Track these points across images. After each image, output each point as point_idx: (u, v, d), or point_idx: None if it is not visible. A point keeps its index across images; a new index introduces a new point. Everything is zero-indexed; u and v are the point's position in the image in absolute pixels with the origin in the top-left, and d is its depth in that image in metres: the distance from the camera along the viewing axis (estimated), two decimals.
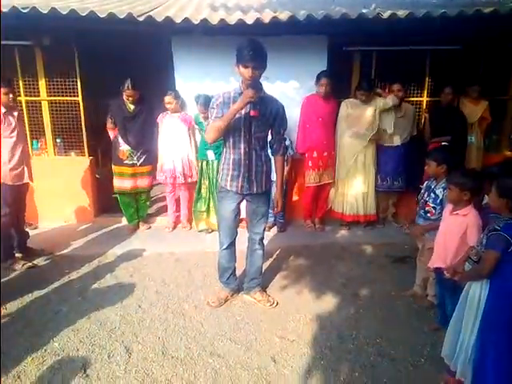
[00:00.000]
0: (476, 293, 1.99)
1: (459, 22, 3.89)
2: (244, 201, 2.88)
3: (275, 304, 2.98)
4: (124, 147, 4.33)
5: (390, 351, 2.48)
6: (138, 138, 4.32)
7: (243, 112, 2.55)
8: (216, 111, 2.62)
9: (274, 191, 3.01)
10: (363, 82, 4.25)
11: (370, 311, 2.92)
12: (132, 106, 4.28)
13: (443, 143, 4.02)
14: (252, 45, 2.40)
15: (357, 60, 4.63)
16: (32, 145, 4.73)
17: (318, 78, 4.20)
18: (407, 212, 4.56)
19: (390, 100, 4.19)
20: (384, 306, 3.00)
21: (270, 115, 2.66)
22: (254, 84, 2.50)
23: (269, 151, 2.86)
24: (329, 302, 3.05)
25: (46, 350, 2.47)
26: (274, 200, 2.91)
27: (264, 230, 2.96)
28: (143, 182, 4.46)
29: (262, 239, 2.97)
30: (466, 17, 3.82)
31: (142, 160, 4.39)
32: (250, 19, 3.84)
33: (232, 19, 3.86)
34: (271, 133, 2.79)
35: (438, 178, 2.79)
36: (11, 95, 3.44)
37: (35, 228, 4.66)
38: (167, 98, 4.28)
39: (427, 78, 4.71)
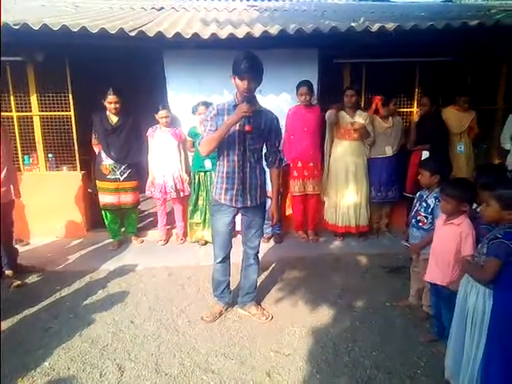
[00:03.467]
0: (479, 305, 1.97)
1: (447, 34, 3.97)
2: (239, 214, 2.86)
3: (270, 318, 2.95)
4: (106, 162, 4.28)
5: (386, 363, 2.46)
6: (122, 152, 4.27)
7: (237, 126, 2.55)
8: (210, 124, 2.62)
9: (270, 203, 3.01)
10: (349, 87, 4.37)
11: (365, 323, 2.90)
12: (115, 119, 4.24)
13: (424, 153, 4.08)
14: (248, 57, 2.42)
15: (347, 72, 4.70)
16: (23, 160, 4.71)
17: (297, 87, 4.23)
18: (400, 222, 4.57)
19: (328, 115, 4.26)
20: (379, 317, 2.97)
21: (264, 128, 2.65)
22: (250, 97, 2.51)
23: (264, 163, 2.85)
24: (324, 314, 3.02)
25: (36, 370, 2.41)
26: (270, 212, 2.88)
27: (259, 244, 2.94)
28: (127, 198, 4.39)
29: (257, 254, 2.95)
30: (453, 29, 3.89)
31: (125, 175, 4.33)
32: (240, 33, 3.89)
33: (223, 33, 3.90)
34: (266, 145, 2.78)
35: (431, 188, 2.80)
36: None
37: (26, 244, 4.60)
38: (163, 113, 4.26)
39: (417, 89, 4.77)
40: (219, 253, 2.88)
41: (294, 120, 4.36)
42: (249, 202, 2.73)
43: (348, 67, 4.68)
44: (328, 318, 2.96)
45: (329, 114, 4.23)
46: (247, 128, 2.52)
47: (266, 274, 3.72)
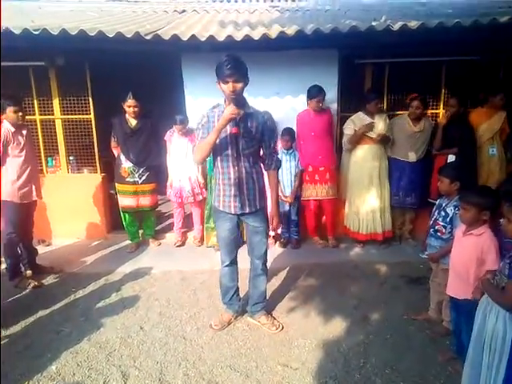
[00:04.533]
0: (499, 328, 1.81)
1: (475, 32, 3.75)
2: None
3: (280, 328, 2.86)
4: (125, 164, 4.31)
5: (400, 383, 2.32)
6: (140, 155, 4.29)
7: (228, 131, 2.49)
8: (202, 131, 2.58)
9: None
10: (372, 92, 4.20)
11: (380, 337, 2.76)
12: (134, 122, 4.25)
13: (449, 157, 3.86)
14: (229, 59, 2.34)
15: (369, 73, 4.53)
16: (47, 162, 4.82)
17: (312, 95, 4.10)
18: (425, 229, 4.35)
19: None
20: (395, 331, 2.82)
21: (256, 130, 2.57)
22: (237, 99, 2.44)
23: (262, 167, 2.77)
24: (337, 326, 2.90)
25: (42, 374, 2.42)
26: (270, 217, 2.77)
27: (266, 252, 2.84)
28: (145, 201, 4.41)
29: (264, 263, 2.86)
30: (482, 26, 3.67)
31: (143, 178, 4.34)
32: (256, 35, 3.81)
33: (239, 35, 3.83)
34: (261, 148, 2.69)
35: (450, 196, 2.64)
36: (20, 113, 3.47)
37: (48, 245, 4.71)
38: (179, 127, 4.26)
39: (443, 90, 4.54)
40: (225, 257, 2.83)
41: (302, 125, 4.28)
42: (247, 208, 2.65)
43: (370, 68, 4.51)
44: (341, 331, 2.84)
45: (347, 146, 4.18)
46: (233, 130, 2.46)
47: (279, 280, 3.63)
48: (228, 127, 2.47)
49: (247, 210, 2.66)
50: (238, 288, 2.96)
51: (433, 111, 4.63)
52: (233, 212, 2.65)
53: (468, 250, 2.24)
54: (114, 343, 2.74)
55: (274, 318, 2.96)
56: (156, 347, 2.69)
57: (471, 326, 2.12)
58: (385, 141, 4.19)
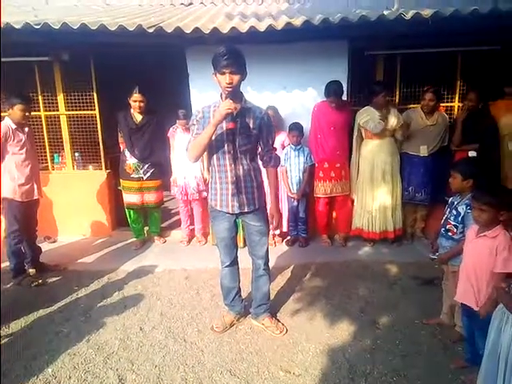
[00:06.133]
0: None
1: (493, 20, 3.55)
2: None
3: (284, 332, 2.75)
4: (130, 160, 4.24)
5: None
6: (145, 151, 4.21)
7: (224, 127, 2.37)
8: (197, 127, 2.46)
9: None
10: (377, 85, 4.01)
11: (388, 342, 2.62)
12: (139, 117, 4.18)
13: (470, 153, 3.66)
14: (227, 50, 2.22)
15: (380, 65, 4.35)
16: (53, 159, 4.79)
17: (328, 93, 3.93)
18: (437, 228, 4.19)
19: (374, 126, 3.90)
20: (405, 336, 2.69)
21: (253, 126, 2.44)
22: (234, 93, 2.32)
23: (260, 164, 2.66)
24: (343, 330, 2.77)
25: (37, 377, 2.36)
26: (270, 215, 2.64)
27: (267, 251, 2.72)
28: (150, 198, 4.34)
29: (266, 263, 2.74)
30: (501, 14, 3.47)
31: (148, 174, 4.27)
32: (262, 26, 3.68)
33: (244, 27, 3.71)
34: (259, 144, 2.56)
35: (463, 194, 2.48)
36: (27, 113, 3.44)
37: (54, 242, 4.68)
38: (183, 122, 4.21)
39: (459, 82, 4.34)
40: (225, 258, 2.73)
41: (319, 117, 4.10)
42: (246, 208, 2.54)
43: (381, 59, 4.33)
44: (347, 335, 2.71)
45: (379, 125, 3.89)
46: (230, 125, 2.35)
47: (285, 280, 3.53)
48: (224, 123, 2.35)
49: (246, 209, 2.55)
50: (239, 289, 2.86)
51: (447, 104, 4.44)
52: (231, 212, 2.55)
53: (483, 254, 2.09)
54: (112, 345, 2.67)
55: (278, 321, 2.86)
56: (155, 349, 2.61)
57: (485, 331, 1.98)
58: (405, 131, 4.02)
